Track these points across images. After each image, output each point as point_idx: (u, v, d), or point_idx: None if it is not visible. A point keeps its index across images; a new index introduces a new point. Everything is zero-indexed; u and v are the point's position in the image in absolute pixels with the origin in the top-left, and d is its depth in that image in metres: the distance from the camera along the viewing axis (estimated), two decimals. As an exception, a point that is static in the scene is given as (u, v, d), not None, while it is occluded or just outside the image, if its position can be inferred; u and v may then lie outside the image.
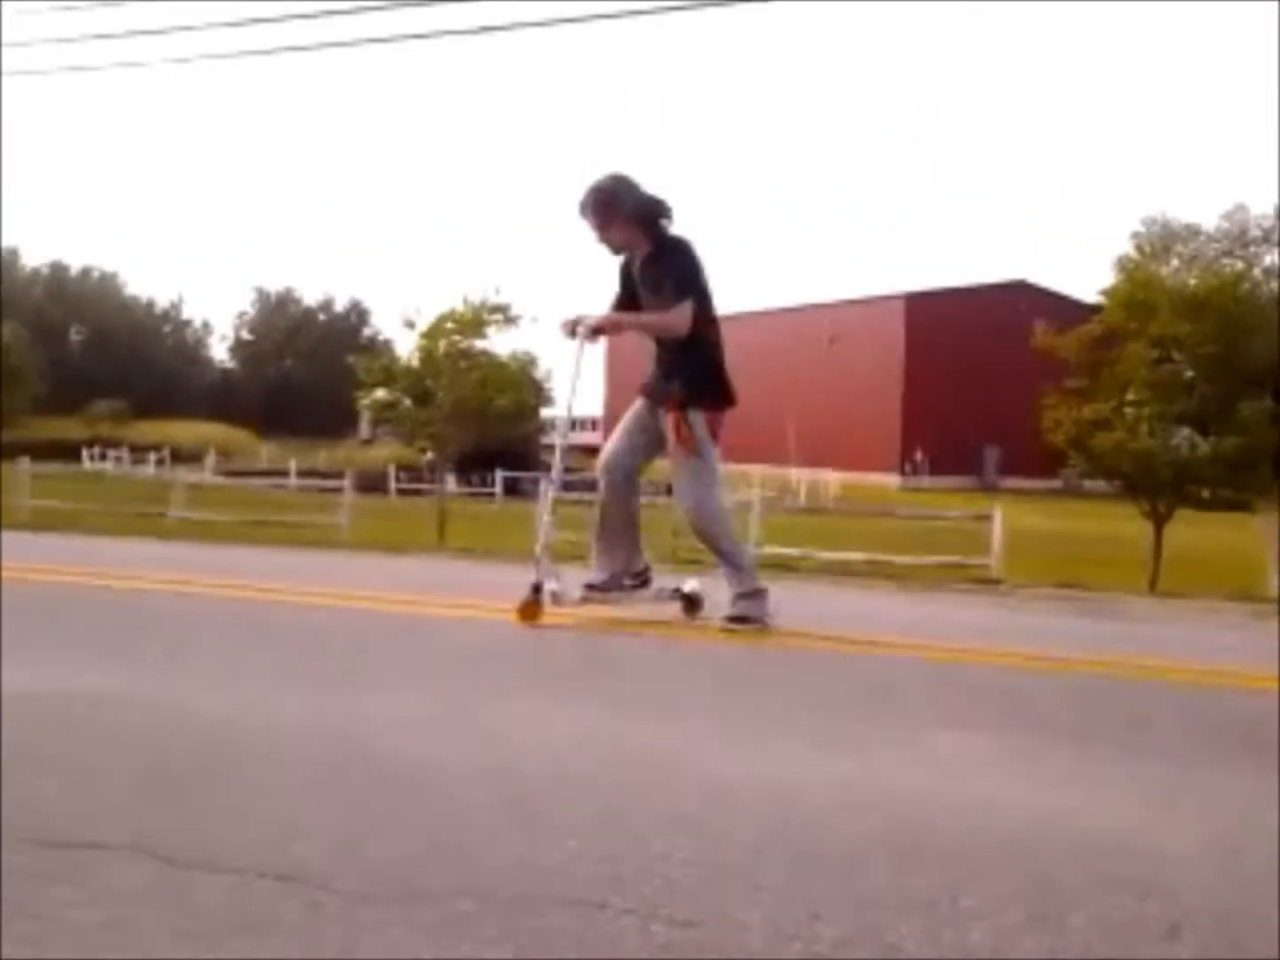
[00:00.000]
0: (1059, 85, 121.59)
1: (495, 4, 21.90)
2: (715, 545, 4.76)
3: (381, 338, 79.05)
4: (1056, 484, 42.40)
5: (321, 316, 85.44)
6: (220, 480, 25.07)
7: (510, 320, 20.14)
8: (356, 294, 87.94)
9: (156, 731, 2.68)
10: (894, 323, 54.74)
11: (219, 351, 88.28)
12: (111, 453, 39.99)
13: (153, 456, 39.97)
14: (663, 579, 5.12)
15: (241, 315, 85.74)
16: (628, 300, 4.90)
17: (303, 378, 77.05)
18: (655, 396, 4.84)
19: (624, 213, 4.68)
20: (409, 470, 35.70)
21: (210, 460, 31.04)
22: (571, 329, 4.84)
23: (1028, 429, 18.23)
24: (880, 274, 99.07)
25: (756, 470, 34.16)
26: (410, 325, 20.38)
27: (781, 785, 2.33)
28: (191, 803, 2.12)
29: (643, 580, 4.88)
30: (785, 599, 4.78)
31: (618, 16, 11.39)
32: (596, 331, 4.85)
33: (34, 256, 77.96)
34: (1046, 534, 20.13)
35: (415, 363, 20.71)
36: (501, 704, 3.19)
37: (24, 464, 14.64)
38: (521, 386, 23.40)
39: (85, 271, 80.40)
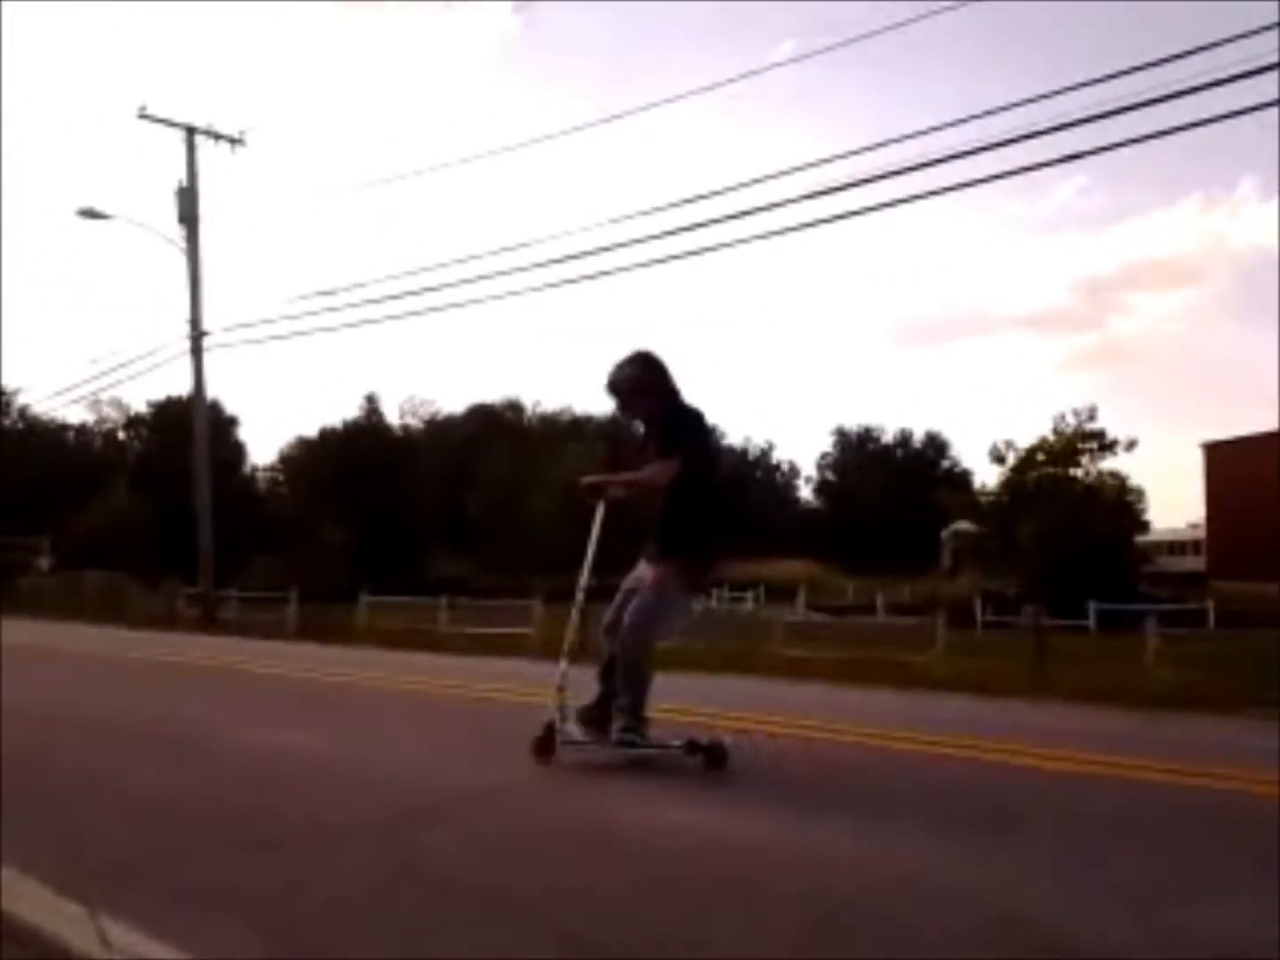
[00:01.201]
0: None
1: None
2: (627, 666, 5.15)
3: (959, 469, 78.96)
4: None
5: (900, 452, 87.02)
6: (814, 617, 25.91)
7: (1106, 447, 19.02)
8: (932, 427, 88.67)
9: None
10: None
11: (804, 492, 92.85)
12: (715, 591, 43.10)
13: (749, 594, 42.48)
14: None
15: (824, 456, 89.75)
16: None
17: (883, 512, 78.46)
18: (646, 554, 5.43)
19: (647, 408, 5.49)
20: (996, 601, 34.57)
21: (802, 597, 32.27)
22: (588, 490, 5.46)
23: None
24: None
25: None
26: (1000, 460, 19.96)
27: None
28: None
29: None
30: None
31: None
32: (590, 490, 5.44)
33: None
34: None
35: (1003, 495, 20.20)
36: None
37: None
38: (1119, 513, 21.89)
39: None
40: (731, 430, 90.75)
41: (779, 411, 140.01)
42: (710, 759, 5.02)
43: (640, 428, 5.63)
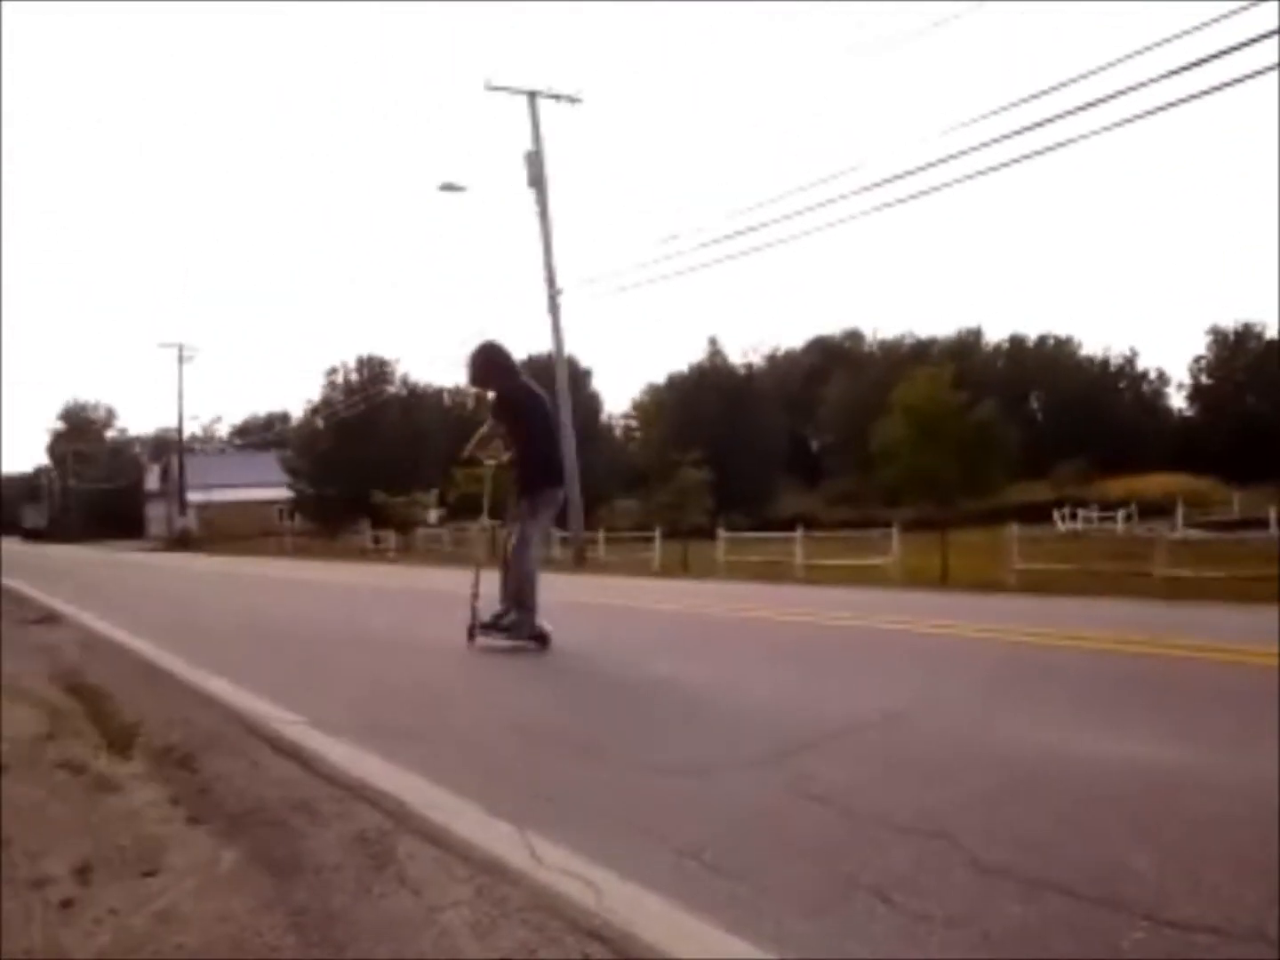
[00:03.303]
0: None
1: None
2: (514, 582, 7.49)
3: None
4: None
5: (1290, 347, 77.98)
6: (1195, 534, 23.90)
7: None
8: (1329, 316, 78.67)
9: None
10: None
11: (1177, 400, 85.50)
12: (1081, 512, 40.77)
13: (1120, 513, 39.84)
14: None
15: (1197, 360, 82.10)
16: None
17: (1273, 417, 70.77)
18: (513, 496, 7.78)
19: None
20: None
21: (1179, 513, 29.86)
22: (469, 460, 8.92)
23: None
24: None
25: None
26: None
27: None
28: None
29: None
30: None
31: None
32: (469, 460, 9.00)
33: (994, 333, 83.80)
34: None
35: None
36: None
37: (1013, 529, 15.52)
38: None
39: (1041, 340, 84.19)
40: (1088, 340, 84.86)
41: (1140, 316, 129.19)
42: (541, 644, 7.36)
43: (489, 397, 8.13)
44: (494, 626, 7.62)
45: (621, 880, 2.86)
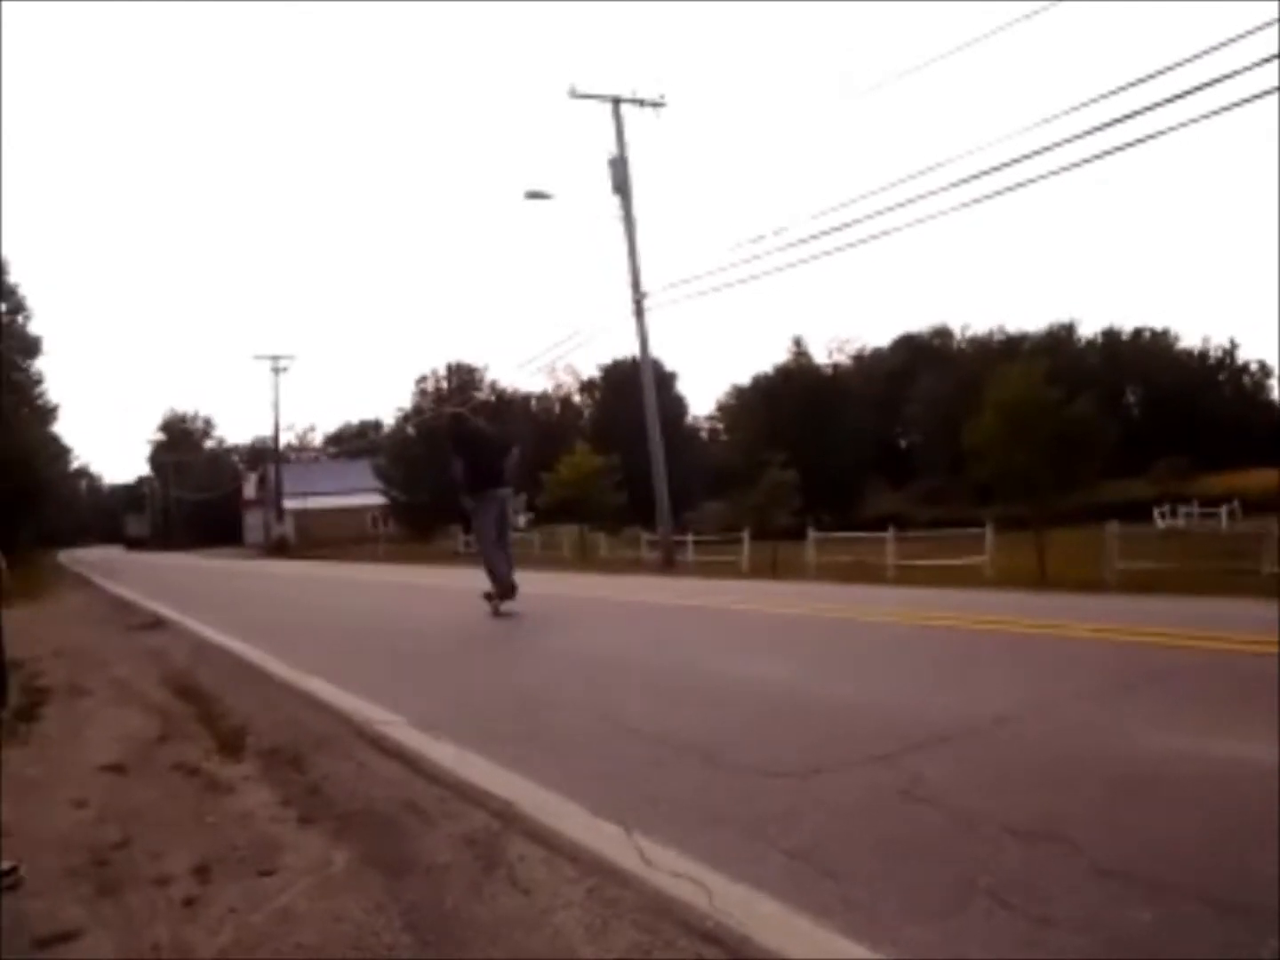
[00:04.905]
0: None
1: None
2: (486, 566, 10.82)
3: None
4: None
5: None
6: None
7: None
8: None
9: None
10: None
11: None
12: (1181, 508, 39.61)
13: (1223, 509, 38.61)
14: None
15: (1299, 349, 79.26)
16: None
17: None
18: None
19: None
20: None
21: (1289, 508, 28.83)
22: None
23: None
24: None
25: None
26: None
27: None
28: None
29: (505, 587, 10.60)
30: None
31: None
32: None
33: (1087, 327, 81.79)
34: None
35: None
36: None
37: (1113, 526, 15.13)
38: None
39: (1137, 333, 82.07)
40: (1185, 333, 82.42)
41: (1241, 306, 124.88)
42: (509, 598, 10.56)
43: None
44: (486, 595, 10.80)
45: (732, 882, 2.84)
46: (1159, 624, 7.35)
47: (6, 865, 3.12)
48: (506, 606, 10.48)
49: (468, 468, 10.71)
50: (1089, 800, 3.43)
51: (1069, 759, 3.98)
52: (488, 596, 10.66)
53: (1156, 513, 38.33)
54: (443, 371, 65.56)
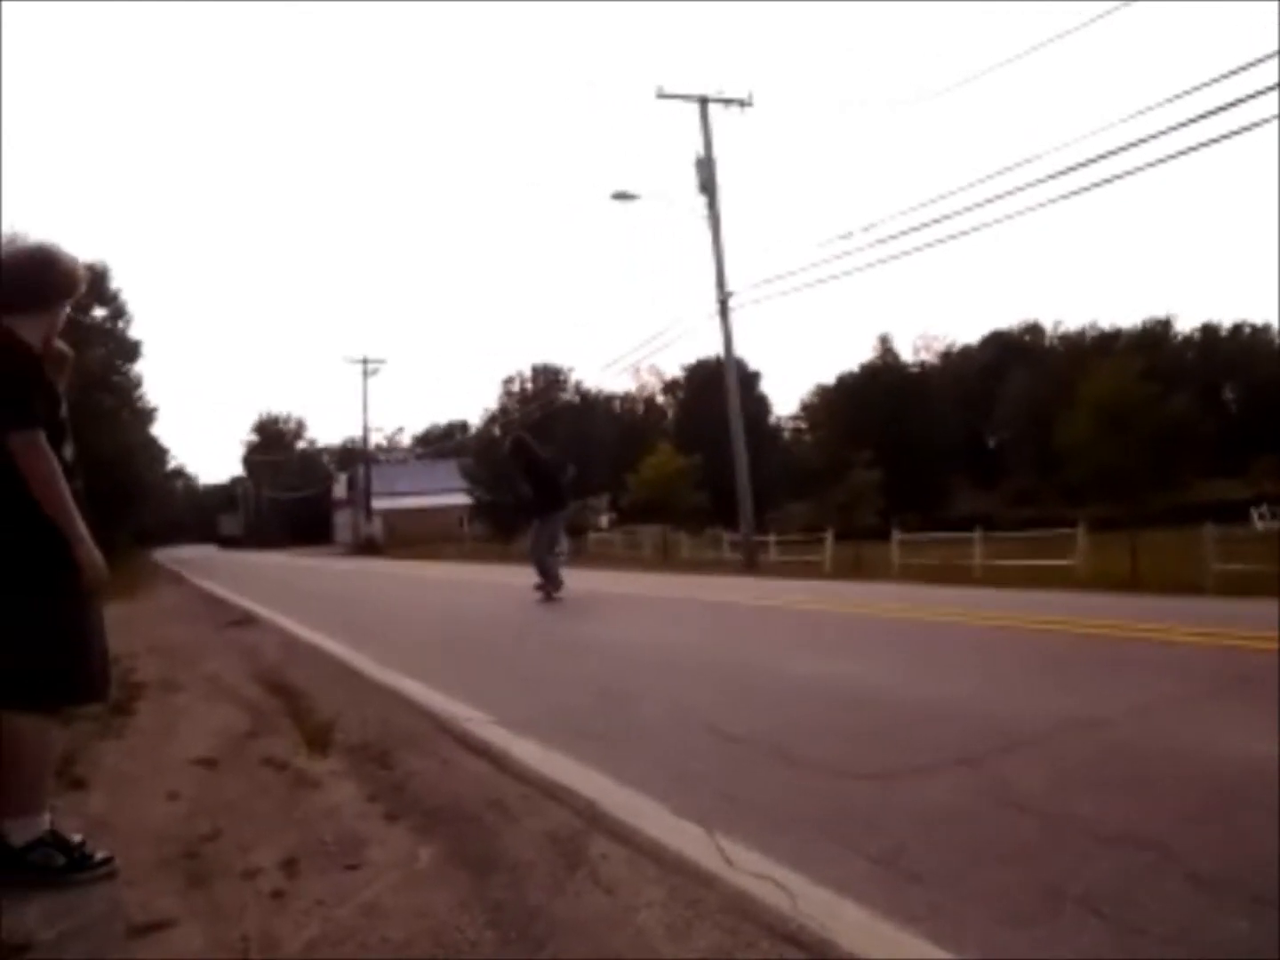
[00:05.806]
0: None
1: None
2: (534, 564, 13.30)
3: None
4: None
5: None
6: None
7: None
8: None
9: None
10: None
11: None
12: (1256, 509, 38.29)
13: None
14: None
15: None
16: None
17: None
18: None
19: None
20: None
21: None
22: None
23: None
24: None
25: None
26: None
27: None
28: None
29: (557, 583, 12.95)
30: None
31: None
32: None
33: (1184, 322, 79.50)
34: None
35: None
36: None
37: (1209, 528, 14.68)
38: None
39: (1236, 328, 79.57)
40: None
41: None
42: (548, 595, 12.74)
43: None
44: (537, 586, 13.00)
45: (814, 885, 2.81)
46: (1259, 628, 7.12)
47: (102, 855, 3.21)
48: (558, 595, 12.88)
49: (534, 489, 13.19)
50: (1184, 807, 3.33)
51: (1164, 764, 3.87)
52: (539, 588, 12.99)
53: (1255, 514, 37.13)
54: (528, 373, 66.19)
